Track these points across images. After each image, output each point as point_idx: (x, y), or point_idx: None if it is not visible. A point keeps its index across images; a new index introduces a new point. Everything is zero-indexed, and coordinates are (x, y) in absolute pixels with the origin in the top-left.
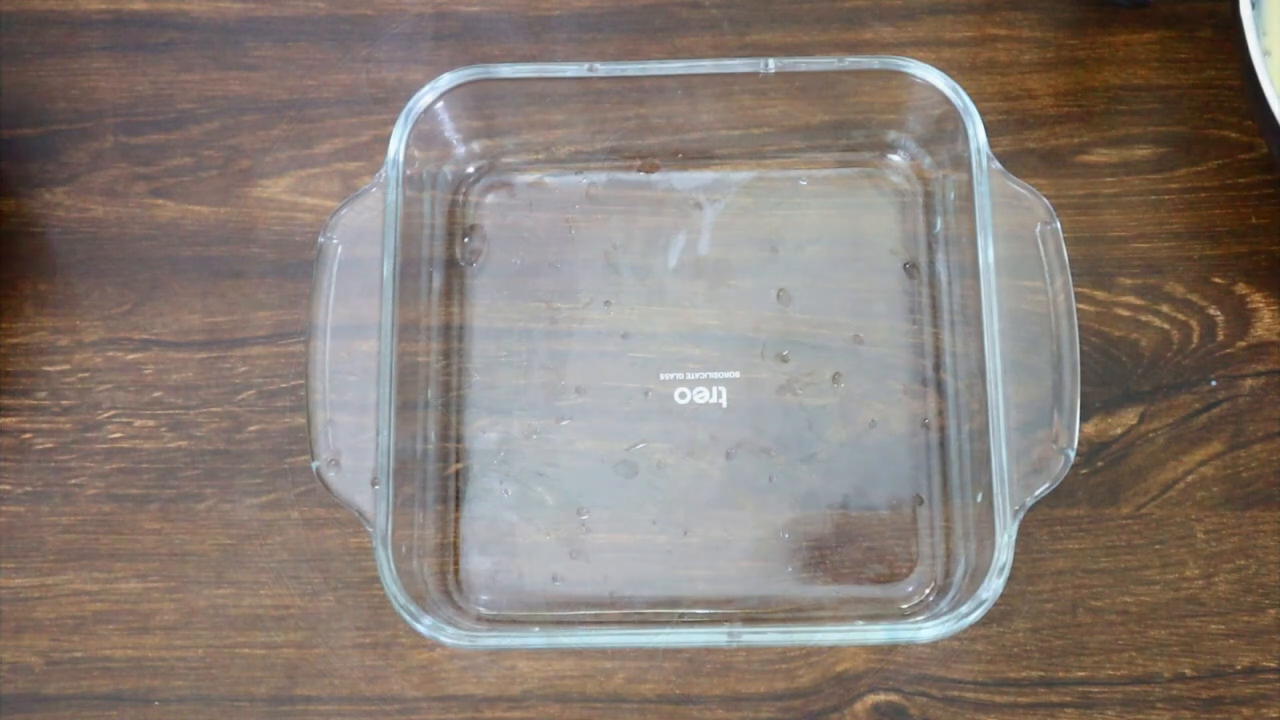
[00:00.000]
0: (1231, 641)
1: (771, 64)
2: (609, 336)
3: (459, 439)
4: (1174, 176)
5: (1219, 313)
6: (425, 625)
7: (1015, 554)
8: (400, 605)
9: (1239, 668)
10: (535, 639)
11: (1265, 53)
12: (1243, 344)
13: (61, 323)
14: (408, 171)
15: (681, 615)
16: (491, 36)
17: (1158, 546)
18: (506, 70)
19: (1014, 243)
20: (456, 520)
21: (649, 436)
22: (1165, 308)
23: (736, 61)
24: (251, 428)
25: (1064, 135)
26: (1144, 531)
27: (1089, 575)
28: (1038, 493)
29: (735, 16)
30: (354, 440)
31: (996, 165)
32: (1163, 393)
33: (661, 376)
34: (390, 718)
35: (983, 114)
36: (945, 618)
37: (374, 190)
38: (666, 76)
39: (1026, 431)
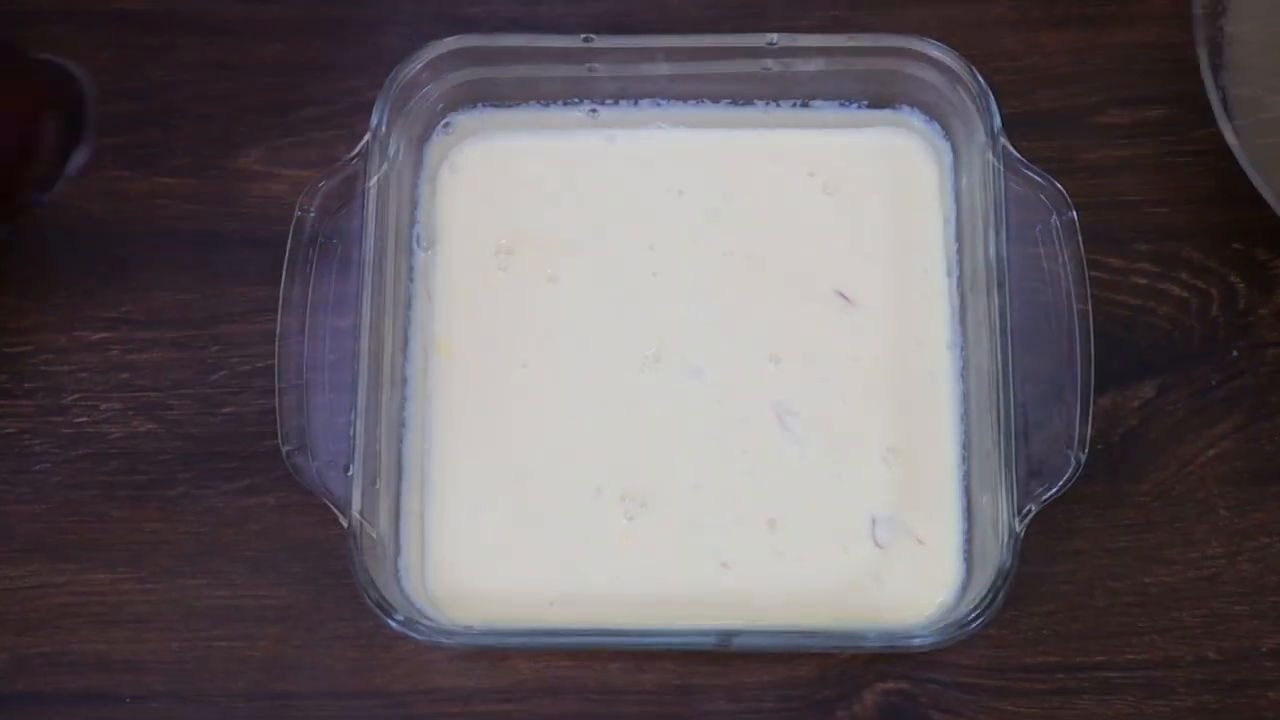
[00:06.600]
0: (1256, 623)
1: (776, 39)
2: None
3: None
4: (1190, 138)
5: (1239, 279)
6: (396, 621)
7: (1029, 533)
8: (371, 600)
9: (1264, 650)
10: (516, 638)
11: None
12: (1264, 311)
13: (23, 301)
14: (390, 142)
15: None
16: None
17: (1178, 524)
18: (498, 40)
19: (1027, 233)
20: None
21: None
22: (1183, 275)
23: (739, 36)
24: (225, 410)
25: (1076, 95)
26: (1163, 509)
27: (1107, 555)
28: (1044, 498)
29: None
30: (329, 424)
31: (1013, 152)
32: (1181, 364)
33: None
34: (375, 712)
35: (990, 74)
36: (947, 623)
37: (355, 161)
38: (663, 49)
39: (1034, 432)
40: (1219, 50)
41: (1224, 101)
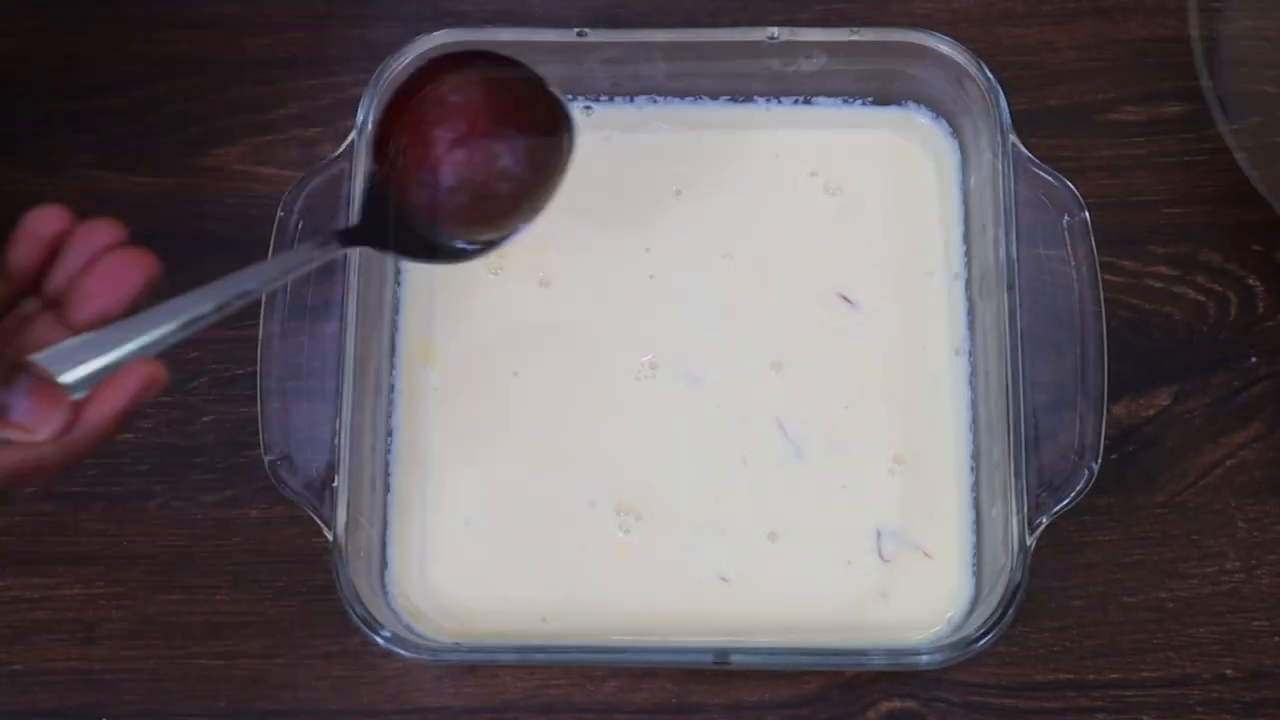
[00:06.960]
0: (1276, 639)
1: (776, 33)
2: None
3: None
4: (1207, 135)
5: (1258, 283)
6: (383, 637)
7: (1040, 546)
8: (358, 616)
9: None
10: (508, 654)
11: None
12: None
13: None
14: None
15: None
16: None
17: (1195, 537)
18: (488, 34)
19: (1038, 234)
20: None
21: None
22: (1200, 278)
23: (738, 30)
24: (205, 418)
25: (1088, 92)
26: (1180, 521)
27: (1120, 569)
28: (1056, 509)
29: None
30: (313, 433)
31: (1023, 151)
32: (1198, 370)
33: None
34: None
35: (999, 69)
36: (955, 640)
37: (339, 160)
38: (660, 44)
39: (1045, 441)
40: (1215, 47)
41: (1221, 100)
